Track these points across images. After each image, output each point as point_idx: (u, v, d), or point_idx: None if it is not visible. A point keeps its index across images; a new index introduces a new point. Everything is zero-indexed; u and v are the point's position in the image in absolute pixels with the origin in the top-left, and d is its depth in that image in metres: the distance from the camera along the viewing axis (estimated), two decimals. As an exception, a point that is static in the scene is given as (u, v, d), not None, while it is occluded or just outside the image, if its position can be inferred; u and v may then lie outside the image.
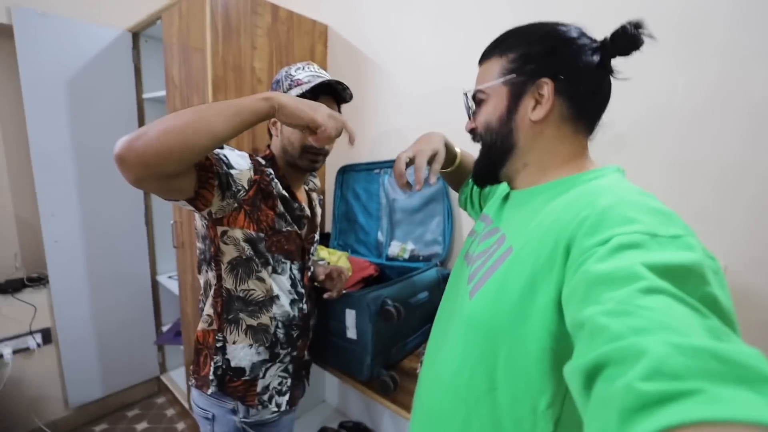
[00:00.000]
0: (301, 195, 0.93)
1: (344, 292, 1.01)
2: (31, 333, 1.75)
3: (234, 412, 0.85)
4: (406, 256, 1.38)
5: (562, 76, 0.51)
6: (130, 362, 2.04)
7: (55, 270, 1.73)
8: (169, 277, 2.03)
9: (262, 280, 0.82)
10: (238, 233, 0.77)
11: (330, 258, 1.35)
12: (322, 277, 0.99)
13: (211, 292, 0.83)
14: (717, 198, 0.85)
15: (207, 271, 0.83)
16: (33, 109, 1.61)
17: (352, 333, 1.00)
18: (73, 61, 1.70)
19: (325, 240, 1.59)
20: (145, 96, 1.87)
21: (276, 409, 0.88)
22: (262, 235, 0.80)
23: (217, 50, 1.25)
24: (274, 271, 0.83)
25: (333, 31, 1.60)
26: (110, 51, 1.78)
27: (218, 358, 0.84)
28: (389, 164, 1.44)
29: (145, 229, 2.01)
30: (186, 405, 1.91)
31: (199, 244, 0.83)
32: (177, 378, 2.15)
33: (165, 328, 2.12)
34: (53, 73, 1.66)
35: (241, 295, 0.82)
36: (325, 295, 0.97)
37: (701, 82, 0.84)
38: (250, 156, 0.80)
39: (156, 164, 0.56)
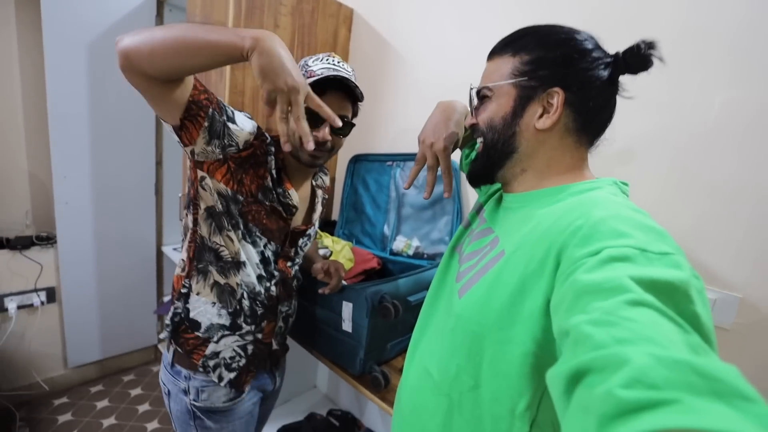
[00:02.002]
0: (300, 186, 0.89)
1: (344, 283, 0.99)
2: (36, 290, 1.78)
3: (185, 392, 0.84)
4: (411, 252, 1.36)
5: (575, 87, 0.50)
6: (130, 328, 2.08)
7: (64, 231, 1.75)
8: (174, 248, 2.05)
9: (231, 240, 0.79)
10: (214, 184, 0.76)
11: (334, 247, 1.33)
12: (320, 275, 0.96)
13: (188, 237, 0.82)
14: (745, 224, 0.80)
15: (187, 215, 0.82)
16: (53, 70, 1.61)
17: (347, 326, 0.98)
18: (97, 23, 1.69)
19: (330, 228, 1.57)
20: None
21: (216, 382, 0.84)
22: (240, 198, 0.77)
23: (238, 25, 1.22)
24: (244, 238, 0.80)
25: (358, 16, 1.56)
26: (134, 16, 1.77)
27: (179, 304, 0.83)
28: (403, 157, 1.41)
29: (154, 199, 2.02)
30: (180, 376, 1.94)
31: (187, 186, 0.82)
32: (174, 348, 2.18)
33: (166, 299, 2.15)
34: (76, 35, 1.65)
35: (212, 246, 0.80)
36: (320, 290, 0.95)
37: (740, 101, 0.79)
38: (260, 128, 0.79)
39: (134, 59, 0.59)
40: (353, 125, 0.84)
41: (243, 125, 0.74)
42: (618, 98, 0.53)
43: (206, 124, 0.68)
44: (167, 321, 0.84)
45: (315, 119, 0.74)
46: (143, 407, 1.87)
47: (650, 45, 0.48)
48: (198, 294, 0.82)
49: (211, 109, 0.68)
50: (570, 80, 0.50)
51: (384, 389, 0.93)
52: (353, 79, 0.79)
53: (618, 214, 0.40)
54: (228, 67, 1.24)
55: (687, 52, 0.83)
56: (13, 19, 1.63)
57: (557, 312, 0.36)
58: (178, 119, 0.67)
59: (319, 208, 0.94)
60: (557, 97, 0.50)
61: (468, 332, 0.51)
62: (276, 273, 0.87)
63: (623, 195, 0.50)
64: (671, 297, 0.31)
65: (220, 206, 0.77)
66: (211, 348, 0.83)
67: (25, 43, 1.67)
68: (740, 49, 0.78)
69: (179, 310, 0.83)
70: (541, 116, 0.51)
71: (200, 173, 0.76)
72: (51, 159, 1.67)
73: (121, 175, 1.89)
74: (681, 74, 0.84)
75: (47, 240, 1.78)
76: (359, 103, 0.85)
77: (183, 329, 0.83)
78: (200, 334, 0.82)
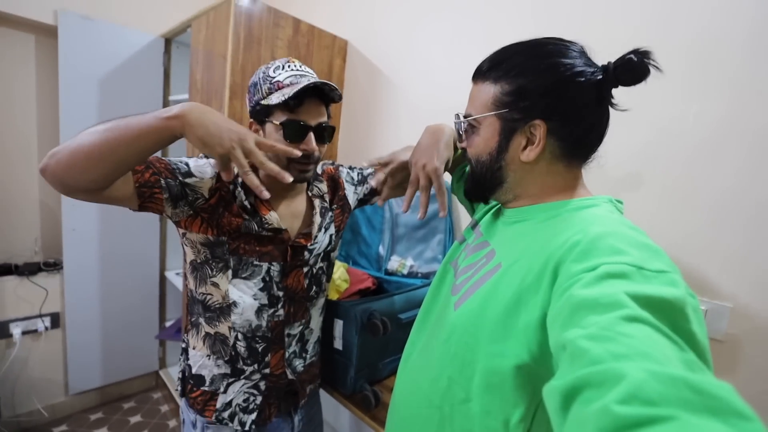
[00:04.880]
0: (289, 203, 0.83)
1: (335, 300, 1.00)
2: (40, 316, 1.81)
3: (193, 425, 0.83)
4: (405, 271, 1.37)
5: (557, 117, 0.49)
6: (132, 354, 2.08)
7: (70, 257, 1.80)
8: (177, 273, 2.08)
9: (216, 285, 0.77)
10: (194, 237, 0.75)
11: (329, 267, 1.35)
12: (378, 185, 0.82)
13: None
14: (731, 232, 0.81)
15: (183, 271, 0.84)
16: (67, 106, 1.71)
17: (338, 343, 0.99)
18: (109, 62, 1.81)
19: (327, 249, 1.59)
20: (171, 98, 1.97)
21: (239, 428, 0.81)
22: (223, 238, 0.75)
23: (237, 58, 1.30)
24: (236, 275, 0.77)
25: (352, 47, 1.65)
26: (144, 54, 1.89)
27: (181, 360, 0.84)
28: (396, 178, 1.45)
29: (158, 225, 2.08)
30: (179, 402, 1.92)
31: None
32: (175, 375, 2.17)
33: (168, 324, 2.16)
34: (89, 73, 1.76)
35: (199, 298, 0.79)
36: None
37: (714, 111, 0.81)
38: None
39: (70, 182, 0.58)
40: (333, 129, 0.80)
41: (202, 173, 0.72)
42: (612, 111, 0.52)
43: (166, 195, 0.68)
44: (178, 375, 0.86)
45: (297, 133, 0.71)
46: (141, 435, 1.85)
47: (643, 54, 0.45)
48: (194, 348, 0.82)
49: (162, 180, 0.67)
50: (553, 111, 0.48)
51: (375, 408, 0.92)
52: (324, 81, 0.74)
53: (615, 231, 0.40)
54: (226, 98, 1.32)
55: (685, 67, 0.84)
56: (33, 58, 1.75)
57: (553, 326, 0.37)
58: (137, 206, 0.67)
59: (318, 220, 0.85)
60: (539, 130, 0.49)
61: (462, 344, 0.51)
62: (280, 294, 0.81)
63: (618, 213, 0.50)
64: (667, 314, 0.31)
65: (201, 257, 0.77)
66: (221, 400, 0.80)
67: (42, 80, 1.78)
68: (738, 66, 0.79)
69: (182, 367, 0.84)
70: (525, 148, 0.50)
71: (180, 230, 0.77)
72: (61, 187, 1.74)
73: (128, 202, 1.95)
74: (673, 88, 0.85)
75: (54, 266, 1.83)
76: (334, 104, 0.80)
77: (189, 388, 0.82)
78: (206, 389, 0.80)
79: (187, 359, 0.83)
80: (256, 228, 0.76)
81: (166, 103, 1.99)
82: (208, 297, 0.79)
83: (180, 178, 0.69)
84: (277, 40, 1.40)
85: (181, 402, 0.87)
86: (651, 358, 0.26)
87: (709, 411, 0.22)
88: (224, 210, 0.74)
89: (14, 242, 1.79)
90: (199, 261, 0.77)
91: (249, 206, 0.76)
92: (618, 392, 0.24)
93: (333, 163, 0.98)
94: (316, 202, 0.87)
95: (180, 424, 0.89)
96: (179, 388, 0.85)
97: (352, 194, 0.96)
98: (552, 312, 0.38)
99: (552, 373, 0.32)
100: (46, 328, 1.83)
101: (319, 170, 0.91)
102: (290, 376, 0.86)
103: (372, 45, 1.58)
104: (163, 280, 2.14)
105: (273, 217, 0.77)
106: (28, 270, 1.76)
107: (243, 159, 0.60)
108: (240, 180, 0.76)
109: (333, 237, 0.90)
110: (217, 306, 0.78)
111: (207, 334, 0.80)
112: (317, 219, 0.85)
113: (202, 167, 0.73)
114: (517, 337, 0.44)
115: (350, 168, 0.99)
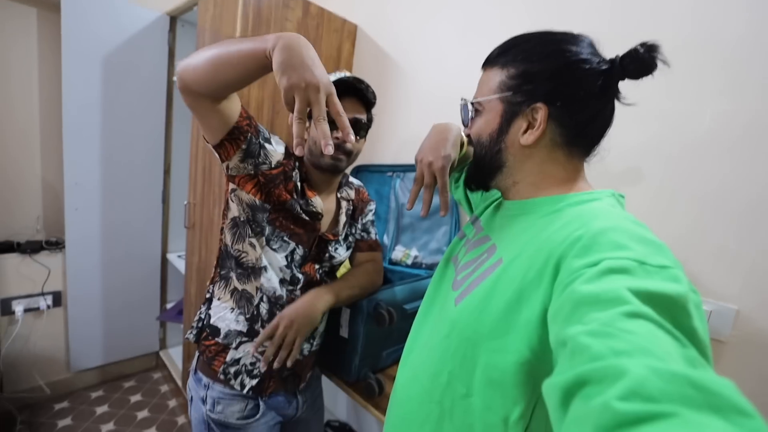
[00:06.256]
0: (324, 197, 0.91)
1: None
2: (42, 294, 1.82)
3: (203, 401, 0.85)
4: (409, 262, 1.37)
5: (559, 102, 0.49)
6: (133, 334, 2.10)
7: (72, 236, 1.80)
8: (179, 256, 2.08)
9: (253, 246, 0.83)
10: (244, 195, 0.82)
11: (333, 255, 1.35)
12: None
13: (218, 245, 0.89)
14: (738, 234, 0.80)
15: (221, 225, 0.88)
16: (70, 82, 1.68)
17: (344, 332, 0.99)
18: (113, 38, 1.77)
19: (331, 237, 1.59)
20: (175, 78, 1.93)
21: (239, 390, 0.83)
22: (268, 206, 0.82)
23: (245, 39, 1.27)
24: (267, 244, 0.83)
25: (362, 32, 1.61)
26: (148, 32, 1.85)
27: (203, 308, 0.88)
28: (403, 168, 1.44)
29: (161, 207, 2.07)
30: (180, 383, 1.94)
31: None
32: (175, 356, 2.19)
33: (169, 306, 2.17)
34: (92, 49, 1.73)
35: (233, 253, 0.84)
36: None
37: (731, 112, 0.80)
38: (288, 148, 0.87)
39: (183, 80, 0.67)
40: (369, 125, 0.88)
41: (277, 147, 0.83)
42: (616, 106, 0.52)
43: (244, 146, 0.76)
44: (193, 323, 0.89)
45: (329, 123, 0.70)
46: (142, 414, 1.87)
47: (650, 48, 0.45)
48: (219, 299, 0.86)
49: (249, 134, 0.76)
50: (555, 95, 0.49)
51: (378, 396, 0.93)
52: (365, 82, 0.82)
53: (618, 226, 0.40)
54: (234, 79, 1.29)
55: (682, 64, 0.84)
56: (35, 32, 1.71)
57: (554, 321, 0.36)
58: (219, 139, 0.74)
59: (342, 219, 0.94)
60: (540, 113, 0.49)
61: (463, 339, 0.51)
62: (300, 276, 0.87)
63: (620, 207, 0.50)
64: (669, 310, 0.31)
65: (244, 216, 0.83)
66: (230, 355, 0.84)
67: (44, 56, 1.75)
68: (734, 62, 0.79)
69: (203, 315, 0.88)
70: (525, 131, 0.51)
71: (231, 185, 0.83)
72: (63, 166, 1.73)
73: (130, 182, 1.94)
74: (671, 85, 0.85)
75: (56, 245, 1.82)
76: (372, 109, 0.89)
77: (204, 336, 0.87)
78: (220, 341, 0.85)
79: (209, 308, 0.88)
80: (299, 209, 0.84)
81: (170, 83, 1.95)
82: (243, 255, 0.84)
83: (261, 140, 0.79)
84: (286, 21, 1.37)
85: (191, 377, 0.90)
86: (652, 354, 0.26)
87: (710, 407, 0.22)
88: (280, 182, 0.82)
89: (16, 220, 1.78)
90: (242, 219, 0.83)
91: (299, 187, 0.85)
92: (619, 388, 0.24)
93: (370, 197, 1.07)
94: (343, 203, 0.96)
95: (183, 404, 0.91)
96: (193, 334, 0.88)
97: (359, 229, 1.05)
98: (553, 308, 0.38)
99: (552, 370, 0.32)
100: (48, 306, 1.84)
101: (356, 182, 1.02)
102: (299, 357, 0.90)
103: (382, 30, 1.55)
104: (164, 262, 2.14)
105: (317, 201, 0.87)
106: (30, 248, 1.76)
107: (303, 105, 0.54)
108: (298, 164, 0.87)
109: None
110: (250, 265, 0.84)
111: (235, 289, 0.85)
112: (342, 218, 0.94)
113: (279, 143, 0.84)
114: (518, 332, 0.44)
115: (373, 217, 1.06)
